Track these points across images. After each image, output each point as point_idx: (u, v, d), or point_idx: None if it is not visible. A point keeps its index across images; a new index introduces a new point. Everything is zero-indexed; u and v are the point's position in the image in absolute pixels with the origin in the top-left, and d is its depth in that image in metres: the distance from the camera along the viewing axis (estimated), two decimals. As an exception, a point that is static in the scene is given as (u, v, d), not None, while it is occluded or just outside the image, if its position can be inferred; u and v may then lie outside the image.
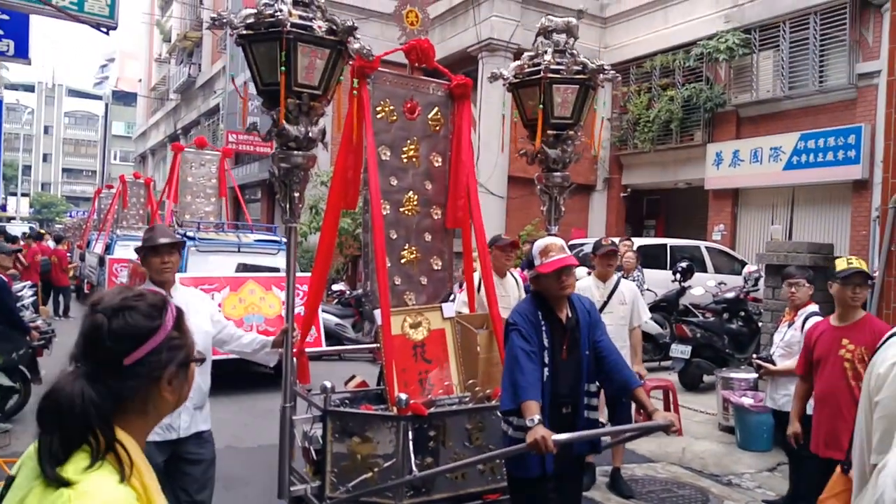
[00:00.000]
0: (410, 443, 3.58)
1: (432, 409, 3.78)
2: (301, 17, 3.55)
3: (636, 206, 17.39)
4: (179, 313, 1.36)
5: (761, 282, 8.54)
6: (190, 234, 9.25)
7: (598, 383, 3.29)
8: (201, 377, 3.51)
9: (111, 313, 1.25)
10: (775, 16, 12.95)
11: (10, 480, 1.22)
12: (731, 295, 9.44)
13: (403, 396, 3.62)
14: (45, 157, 67.06)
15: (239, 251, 9.21)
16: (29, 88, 64.92)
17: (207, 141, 12.52)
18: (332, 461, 3.76)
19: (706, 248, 12.40)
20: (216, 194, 11.66)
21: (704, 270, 11.56)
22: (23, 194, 55.42)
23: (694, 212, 15.63)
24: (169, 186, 11.71)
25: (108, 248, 13.86)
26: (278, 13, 3.48)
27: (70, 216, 39.37)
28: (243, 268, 8.82)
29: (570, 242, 12.40)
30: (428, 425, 3.72)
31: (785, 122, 13.02)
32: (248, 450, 6.10)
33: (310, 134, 3.70)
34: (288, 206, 3.78)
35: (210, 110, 25.97)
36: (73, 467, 1.14)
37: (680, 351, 8.72)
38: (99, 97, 67.84)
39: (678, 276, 9.74)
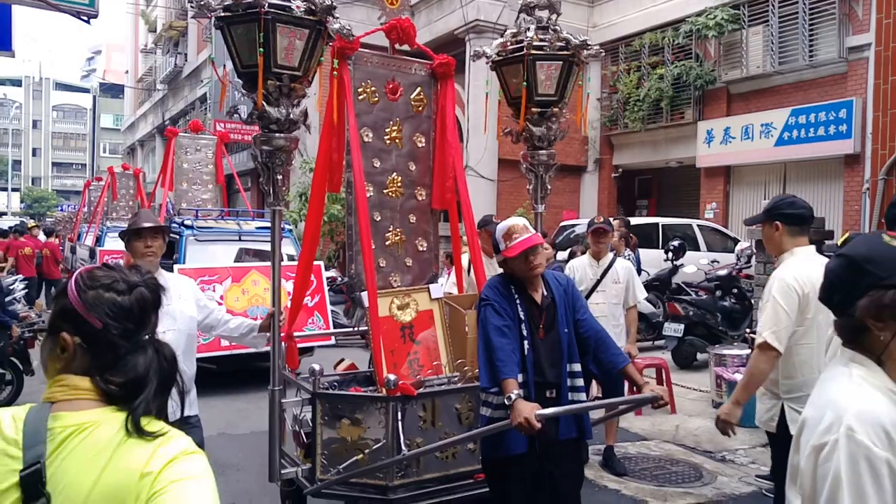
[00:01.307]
0: (399, 423, 3.57)
1: (421, 390, 3.77)
2: (279, -2, 3.49)
3: (628, 186, 17.38)
4: None
5: (754, 258, 8.54)
6: (188, 222, 8.93)
7: (580, 363, 3.23)
8: (185, 362, 3.50)
9: (148, 287, 1.38)
10: (764, -9, 12.90)
11: (35, 461, 1.18)
12: (723, 272, 9.46)
13: (392, 377, 3.60)
14: (35, 152, 66.70)
15: (240, 239, 8.89)
16: (16, 83, 64.49)
17: (203, 125, 12.05)
18: (322, 444, 3.75)
19: (698, 226, 12.42)
20: (213, 181, 11.10)
21: (697, 249, 11.58)
22: (13, 189, 55.15)
23: (686, 190, 15.64)
24: (163, 174, 11.11)
25: (99, 240, 13.80)
26: (255, -7, 3.42)
27: (61, 210, 39.17)
28: (244, 253, 8.54)
29: (562, 224, 12.41)
30: (417, 406, 3.71)
31: (776, 97, 13.01)
32: (241, 436, 6.11)
33: (291, 116, 3.65)
34: (271, 189, 3.74)
35: (197, 100, 25.80)
36: (148, 423, 1.26)
37: (673, 329, 8.75)
38: (86, 90, 67.45)
39: (670, 254, 9.74)
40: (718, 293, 9.23)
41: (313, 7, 3.55)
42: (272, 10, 3.43)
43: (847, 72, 11.85)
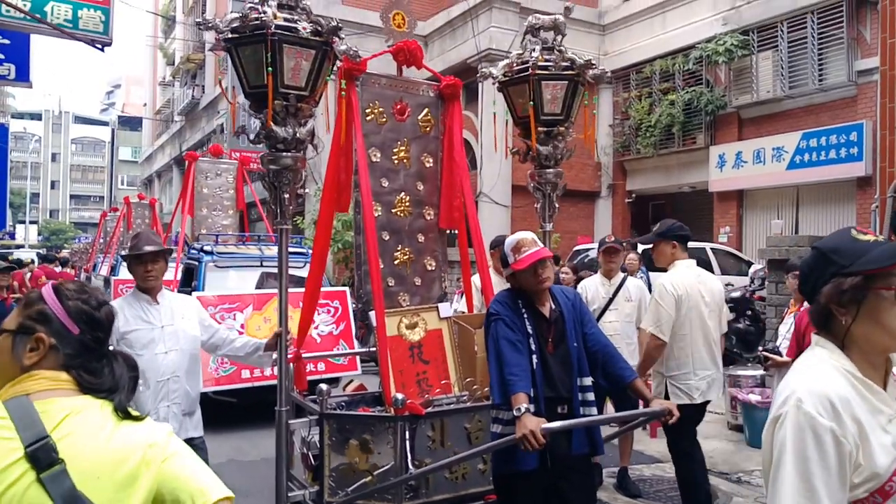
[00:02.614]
0: (407, 443, 3.53)
1: (430, 409, 3.73)
2: (286, 20, 3.55)
3: (642, 211, 17.34)
4: None
5: (767, 280, 8.47)
6: (207, 248, 8.57)
7: (591, 378, 3.22)
8: (189, 382, 3.51)
9: (112, 307, 1.61)
10: (773, 16, 12.96)
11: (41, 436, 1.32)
12: (737, 294, 9.38)
13: (400, 396, 3.57)
14: (53, 185, 67.69)
15: (262, 265, 8.47)
16: (36, 117, 65.76)
17: (223, 149, 11.72)
18: (330, 465, 3.72)
19: (712, 249, 12.32)
20: (233, 206, 10.76)
21: (711, 272, 11.44)
22: (31, 222, 55.83)
23: (700, 215, 15.57)
24: (183, 199, 10.72)
25: (114, 270, 13.89)
26: (263, 15, 3.49)
27: (78, 241, 39.61)
28: (267, 277, 8.17)
29: (576, 248, 12.39)
30: (426, 425, 3.67)
31: (786, 121, 12.99)
32: (251, 463, 6.06)
33: (298, 135, 3.69)
34: (279, 208, 3.76)
35: (215, 130, 26.16)
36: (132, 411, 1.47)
37: (687, 352, 8.64)
38: (105, 123, 68.60)
39: (683, 277, 9.66)
40: (732, 315, 9.13)
41: (319, 28, 3.61)
42: (279, 31, 3.48)
43: (857, 95, 11.84)
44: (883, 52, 5.42)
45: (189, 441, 3.49)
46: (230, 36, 3.58)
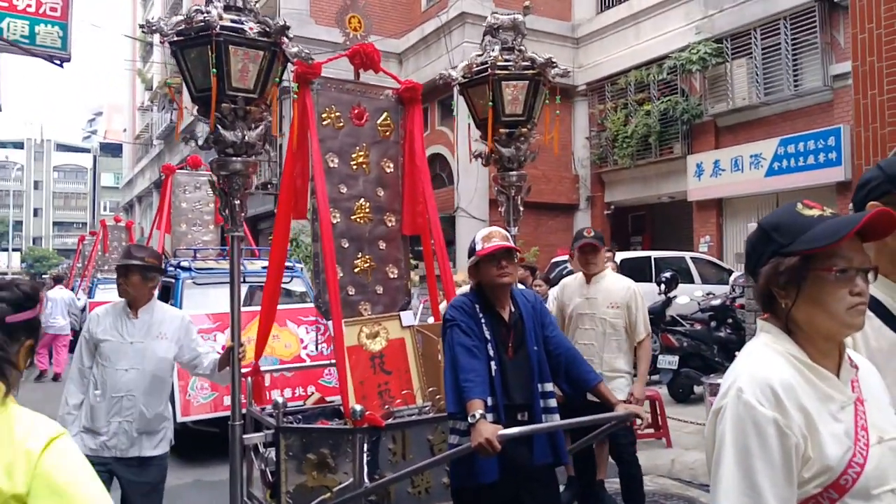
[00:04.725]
0: (365, 455, 3.38)
1: (390, 421, 3.59)
2: (232, 21, 3.45)
3: (621, 222, 17.30)
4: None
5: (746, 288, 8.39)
6: (185, 263, 8.10)
7: (553, 384, 3.10)
8: (148, 402, 3.51)
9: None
10: (745, 24, 13.03)
11: None
12: (717, 302, 9.27)
13: (359, 408, 3.42)
14: (36, 212, 67.47)
15: (245, 281, 7.65)
16: (18, 145, 65.68)
17: (202, 161, 10.57)
18: (287, 480, 3.57)
19: (692, 258, 12.27)
20: (214, 221, 10.00)
21: (691, 281, 11.41)
22: (14, 249, 55.39)
23: (680, 225, 15.55)
24: (160, 215, 10.05)
25: (90, 293, 13.70)
26: (208, 16, 3.38)
27: (60, 268, 39.31)
28: (254, 292, 7.65)
29: (554, 260, 12.30)
30: (386, 438, 3.53)
31: (763, 128, 13.01)
32: (216, 483, 5.86)
33: (247, 139, 3.57)
34: (230, 214, 3.64)
35: (192, 152, 26.06)
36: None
37: (667, 362, 8.52)
38: (87, 150, 68.60)
39: (662, 286, 9.56)
40: (713, 324, 9.04)
41: (267, 29, 3.51)
42: (224, 31, 3.37)
43: (833, 100, 11.87)
44: (854, 47, 5.38)
45: (144, 459, 3.53)
46: (175, 39, 3.48)
